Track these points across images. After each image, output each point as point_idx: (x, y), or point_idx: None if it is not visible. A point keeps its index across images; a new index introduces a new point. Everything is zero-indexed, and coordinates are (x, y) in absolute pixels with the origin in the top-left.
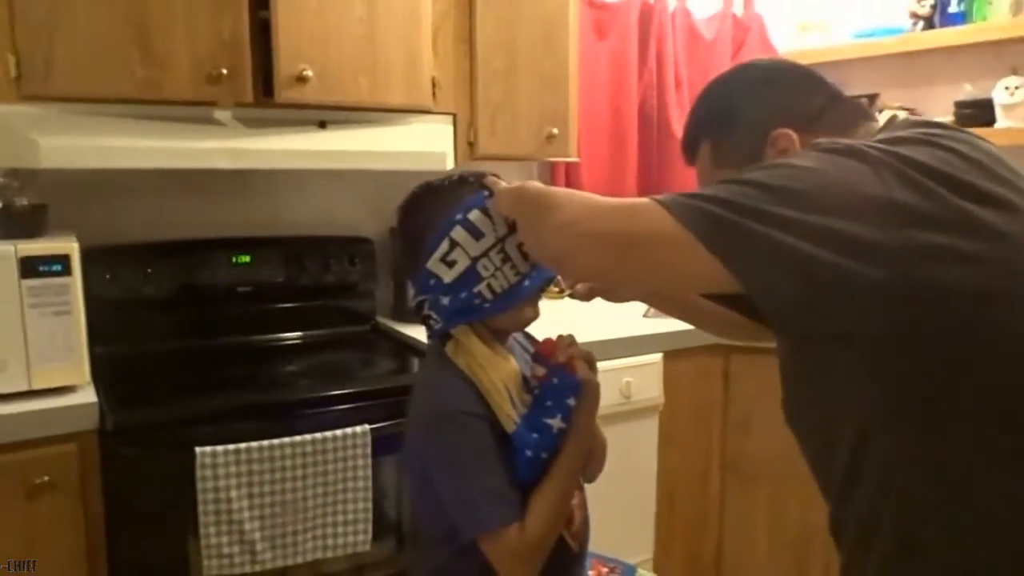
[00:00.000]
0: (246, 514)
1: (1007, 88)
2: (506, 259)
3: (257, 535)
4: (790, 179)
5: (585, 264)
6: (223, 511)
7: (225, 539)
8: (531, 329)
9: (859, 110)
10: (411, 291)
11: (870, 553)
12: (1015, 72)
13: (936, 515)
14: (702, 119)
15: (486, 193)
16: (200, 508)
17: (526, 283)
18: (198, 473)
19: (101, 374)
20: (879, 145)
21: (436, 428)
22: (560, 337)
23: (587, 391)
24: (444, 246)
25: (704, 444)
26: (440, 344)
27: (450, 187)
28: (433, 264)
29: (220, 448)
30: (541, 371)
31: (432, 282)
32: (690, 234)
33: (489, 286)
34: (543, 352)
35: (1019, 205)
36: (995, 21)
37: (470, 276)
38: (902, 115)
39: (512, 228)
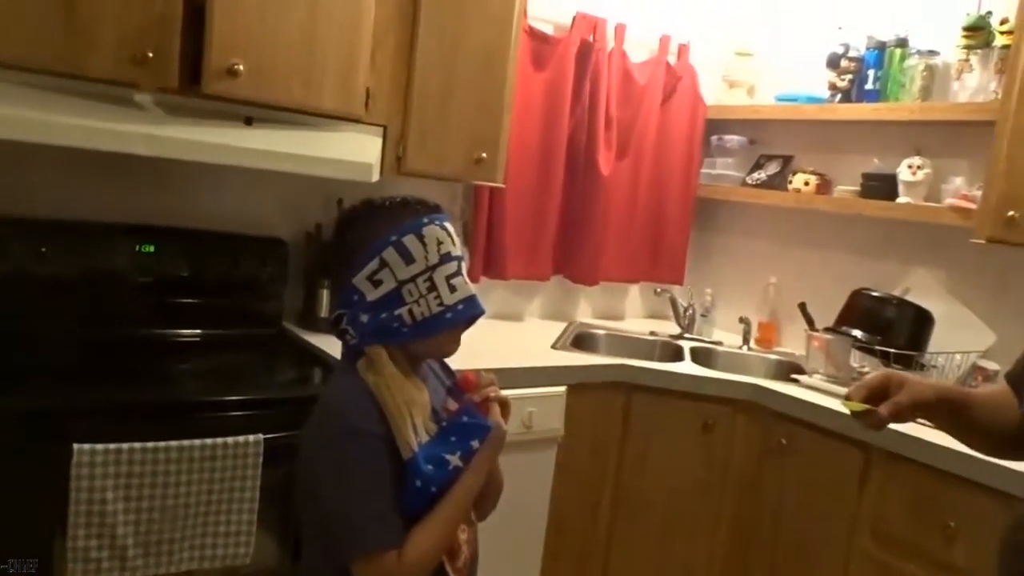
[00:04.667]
0: (120, 518)
1: (910, 166)
2: (432, 288)
3: (130, 540)
4: None
5: None
6: (95, 513)
7: (94, 543)
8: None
9: None
10: (326, 302)
11: None
12: (919, 153)
13: None
14: None
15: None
16: (71, 508)
17: (448, 315)
18: (73, 471)
19: None
20: None
21: (334, 441)
22: (480, 375)
23: (494, 437)
24: (373, 264)
25: (599, 477)
26: (352, 359)
27: (391, 208)
28: (359, 280)
29: (100, 447)
30: (453, 405)
31: (355, 298)
32: None
33: (411, 311)
34: (460, 386)
35: None
36: (905, 103)
37: (393, 298)
38: None
39: (443, 259)
